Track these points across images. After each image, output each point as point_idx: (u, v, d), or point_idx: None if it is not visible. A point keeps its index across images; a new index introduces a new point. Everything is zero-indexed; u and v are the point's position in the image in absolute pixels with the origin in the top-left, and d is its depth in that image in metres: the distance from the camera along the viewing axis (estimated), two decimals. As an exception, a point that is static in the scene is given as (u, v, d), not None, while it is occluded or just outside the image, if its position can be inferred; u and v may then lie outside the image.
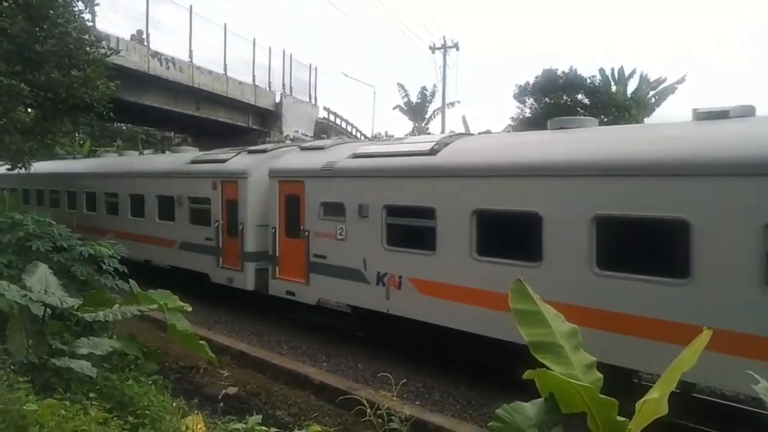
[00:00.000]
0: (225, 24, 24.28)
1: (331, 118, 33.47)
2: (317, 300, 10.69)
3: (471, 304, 7.95)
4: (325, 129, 30.87)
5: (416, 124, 40.54)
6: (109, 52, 12.99)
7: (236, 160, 13.00)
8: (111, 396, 5.41)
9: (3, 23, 10.85)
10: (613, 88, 28.81)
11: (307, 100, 30.31)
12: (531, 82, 29.78)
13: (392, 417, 5.64)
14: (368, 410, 5.73)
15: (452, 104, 40.10)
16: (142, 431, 4.79)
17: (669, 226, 6.22)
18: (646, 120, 28.24)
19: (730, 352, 5.56)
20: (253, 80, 25.80)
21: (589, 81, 28.59)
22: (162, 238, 14.48)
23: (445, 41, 37.23)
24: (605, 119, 27.48)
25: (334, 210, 10.10)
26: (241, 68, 25.43)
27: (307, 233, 10.61)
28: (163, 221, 14.52)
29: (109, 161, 19.72)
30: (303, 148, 12.17)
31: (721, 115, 6.67)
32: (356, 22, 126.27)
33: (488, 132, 30.90)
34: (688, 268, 6.05)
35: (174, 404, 5.80)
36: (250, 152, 13.23)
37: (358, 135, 37.43)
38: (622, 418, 3.42)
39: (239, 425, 5.25)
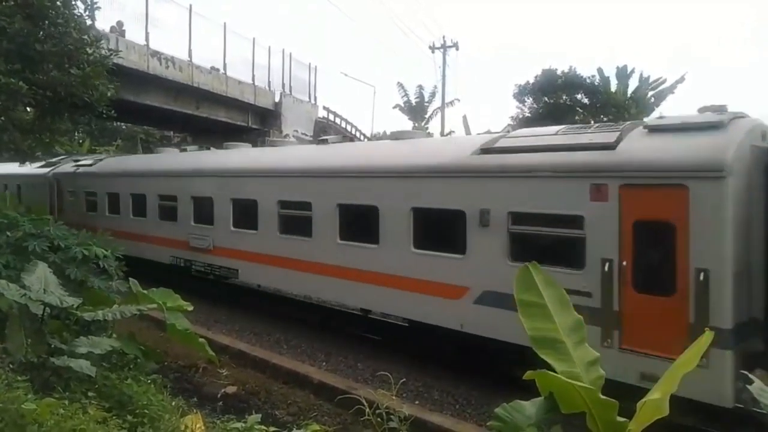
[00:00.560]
0: (225, 23, 24.34)
1: (331, 117, 33.46)
2: None
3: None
4: (324, 128, 30.86)
5: (416, 124, 40.53)
6: (108, 53, 12.98)
7: (659, 142, 6.89)
8: (110, 395, 5.40)
9: (2, 22, 10.84)
10: (613, 88, 28.79)
11: (307, 99, 30.32)
12: (530, 81, 29.77)
13: (391, 416, 5.64)
14: (367, 409, 5.73)
15: (451, 103, 40.08)
16: (141, 430, 4.78)
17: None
18: (645, 120, 28.24)
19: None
20: (253, 80, 25.81)
21: (588, 81, 28.57)
22: (435, 282, 8.67)
23: (444, 41, 37.24)
24: (605, 119, 27.49)
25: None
26: (241, 68, 25.48)
27: None
28: (439, 253, 8.72)
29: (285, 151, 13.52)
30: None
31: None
32: (356, 21, 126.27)
33: (488, 131, 30.88)
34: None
35: (173, 403, 5.80)
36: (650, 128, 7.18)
37: (358, 135, 37.41)
38: (622, 419, 3.39)
39: (238, 424, 5.25)
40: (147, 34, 20.06)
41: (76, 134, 30.31)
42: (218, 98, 23.75)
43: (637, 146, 6.93)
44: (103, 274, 8.50)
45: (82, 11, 12.75)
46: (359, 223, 9.85)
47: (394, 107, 42.62)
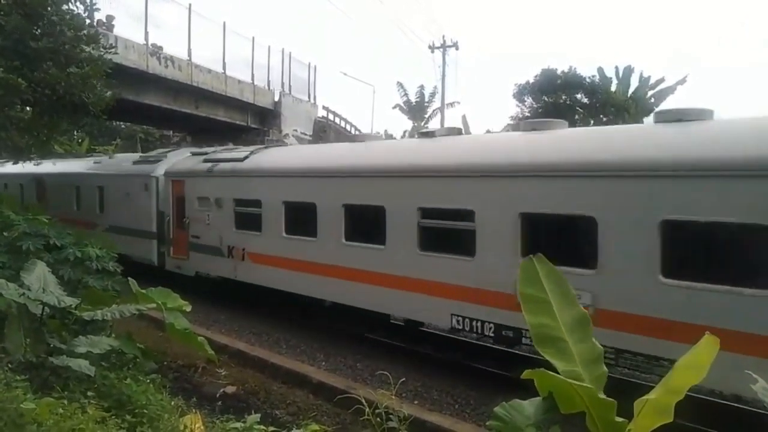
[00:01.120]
0: (224, 23, 24.32)
1: (330, 117, 33.45)
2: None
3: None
4: (324, 128, 30.85)
5: (415, 123, 40.55)
6: (104, 52, 12.94)
7: None
8: (109, 395, 5.40)
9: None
10: (613, 88, 28.79)
11: (306, 99, 30.31)
12: (530, 81, 29.77)
13: (390, 416, 5.63)
14: (367, 409, 5.73)
15: (452, 104, 40.13)
16: (140, 430, 4.78)
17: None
18: (645, 120, 28.26)
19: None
20: (252, 79, 25.80)
21: (588, 81, 28.57)
22: None
23: (444, 40, 37.26)
24: (604, 119, 27.50)
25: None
26: (241, 67, 25.45)
27: None
28: None
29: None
30: None
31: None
32: (356, 21, 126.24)
33: (488, 132, 30.92)
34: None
35: (172, 403, 5.79)
36: None
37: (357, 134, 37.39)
38: (620, 419, 3.36)
39: (238, 424, 5.24)
40: (146, 33, 20.09)
41: (75, 133, 30.30)
42: (218, 98, 23.74)
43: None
44: (99, 274, 8.49)
45: (80, 11, 12.71)
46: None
47: (394, 107, 42.72)
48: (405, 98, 42.18)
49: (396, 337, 10.50)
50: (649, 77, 29.47)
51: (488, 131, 30.66)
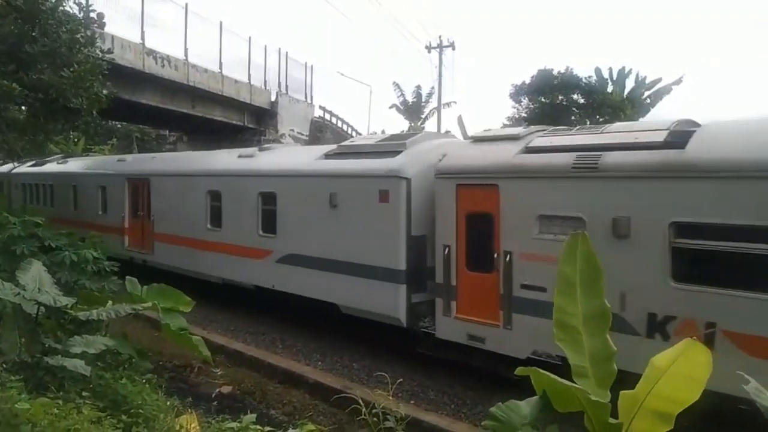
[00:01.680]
0: (221, 22, 24.27)
1: (327, 117, 33.43)
2: None
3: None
4: (320, 128, 30.82)
5: (412, 124, 40.57)
6: (102, 54, 12.89)
7: None
8: (104, 395, 5.39)
9: None
10: (609, 88, 28.87)
11: (303, 98, 30.27)
12: (527, 81, 29.83)
13: (387, 416, 5.63)
14: (363, 409, 5.73)
15: (449, 104, 40.17)
16: (135, 430, 4.77)
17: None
18: (641, 120, 28.34)
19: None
20: (249, 79, 25.74)
21: (584, 81, 28.65)
22: None
23: (441, 40, 37.29)
24: (600, 119, 27.56)
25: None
26: (237, 67, 25.38)
27: None
28: None
29: None
30: None
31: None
32: (355, 22, 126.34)
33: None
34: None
35: (168, 403, 5.78)
36: None
37: (355, 134, 37.38)
38: (615, 421, 3.28)
39: (233, 424, 5.24)
40: (143, 32, 20.01)
41: (71, 133, 30.16)
42: (214, 97, 23.68)
43: None
44: (95, 276, 8.44)
45: (75, 11, 12.67)
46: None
47: (391, 107, 42.72)
48: (402, 98, 42.21)
49: (393, 337, 10.48)
50: (645, 77, 29.58)
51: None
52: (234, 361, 9.69)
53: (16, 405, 4.01)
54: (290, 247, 10.83)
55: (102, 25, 19.03)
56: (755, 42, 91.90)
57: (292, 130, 28.25)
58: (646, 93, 29.72)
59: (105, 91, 12.51)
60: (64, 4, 12.18)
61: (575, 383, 3.35)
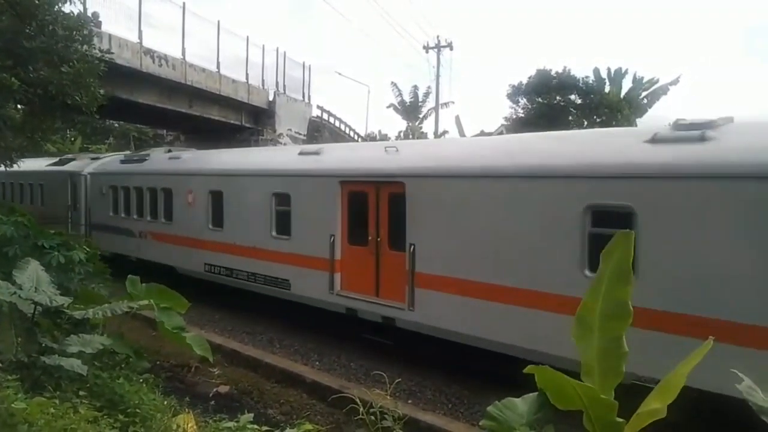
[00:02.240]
0: (218, 21, 24.23)
1: (325, 116, 33.42)
2: None
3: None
4: (318, 127, 30.80)
5: (410, 124, 40.60)
6: (101, 54, 12.84)
7: None
8: (101, 394, 5.38)
9: None
10: (607, 89, 28.92)
11: (301, 98, 30.26)
12: (524, 82, 29.87)
13: (385, 415, 5.63)
14: (361, 408, 5.72)
15: (446, 104, 40.18)
16: (132, 429, 4.75)
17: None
18: (638, 121, 28.40)
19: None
20: (247, 78, 25.71)
21: (581, 81, 28.70)
22: None
23: (438, 41, 37.31)
24: (597, 119, 27.62)
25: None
26: (235, 66, 25.34)
27: None
28: None
29: None
30: None
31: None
32: (354, 23, 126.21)
33: (482, 132, 30.92)
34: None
35: (165, 402, 5.77)
36: None
37: (352, 134, 37.40)
38: (619, 419, 3.23)
39: (230, 424, 5.23)
40: (140, 32, 19.96)
41: (68, 132, 30.14)
42: (212, 97, 23.65)
43: None
44: (86, 277, 8.37)
45: (73, 10, 12.62)
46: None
47: (388, 107, 42.72)
48: (399, 98, 42.22)
49: (390, 337, 10.48)
50: (642, 78, 29.63)
51: (482, 132, 30.72)
52: (231, 361, 9.68)
53: (12, 405, 4.00)
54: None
55: (98, 24, 18.98)
56: (754, 42, 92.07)
57: (290, 129, 28.24)
58: (643, 93, 29.77)
59: (102, 91, 12.46)
60: (60, 2, 12.13)
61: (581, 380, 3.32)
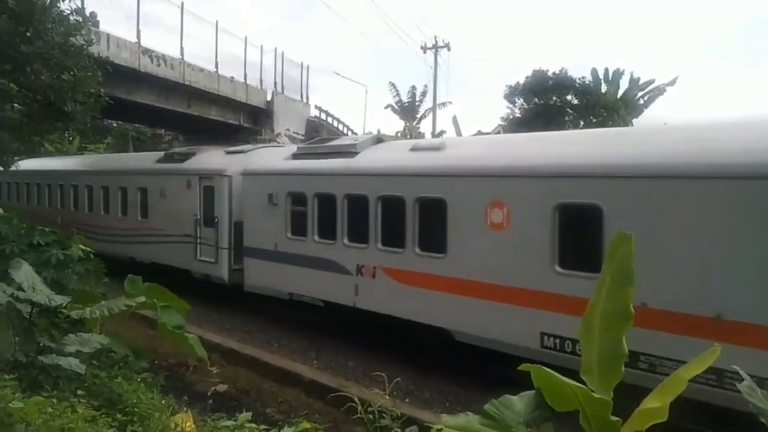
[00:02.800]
0: (216, 21, 24.21)
1: (323, 116, 33.40)
2: None
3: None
4: (316, 127, 30.79)
5: (407, 124, 40.58)
6: (100, 60, 12.81)
7: None
8: (99, 393, 5.37)
9: None
10: (603, 89, 28.92)
11: (299, 98, 30.25)
12: (521, 82, 29.86)
13: (383, 414, 5.63)
14: (359, 407, 5.72)
15: (443, 105, 40.18)
16: (130, 428, 4.76)
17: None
18: (634, 121, 28.43)
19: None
20: (245, 78, 25.69)
21: (578, 82, 28.69)
22: None
23: (436, 41, 37.34)
24: (594, 120, 27.63)
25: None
26: (233, 66, 25.32)
27: None
28: None
29: None
30: None
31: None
32: (353, 23, 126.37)
33: (479, 132, 30.94)
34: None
35: (163, 401, 5.77)
36: None
37: (351, 134, 37.37)
38: (615, 418, 3.26)
39: (229, 423, 5.24)
40: (138, 31, 19.93)
41: (66, 132, 30.01)
42: (210, 96, 23.62)
43: None
44: (83, 275, 8.36)
45: (69, 12, 12.56)
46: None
47: (386, 107, 42.67)
48: (397, 98, 42.20)
49: (388, 337, 10.49)
50: (639, 78, 29.64)
51: (479, 132, 30.73)
52: (229, 360, 9.68)
53: (10, 404, 4.01)
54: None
55: (96, 24, 18.95)
56: (754, 42, 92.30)
57: (288, 129, 28.22)
58: (640, 94, 29.78)
59: (101, 90, 12.44)
60: (58, 4, 12.09)
61: (580, 380, 3.34)
